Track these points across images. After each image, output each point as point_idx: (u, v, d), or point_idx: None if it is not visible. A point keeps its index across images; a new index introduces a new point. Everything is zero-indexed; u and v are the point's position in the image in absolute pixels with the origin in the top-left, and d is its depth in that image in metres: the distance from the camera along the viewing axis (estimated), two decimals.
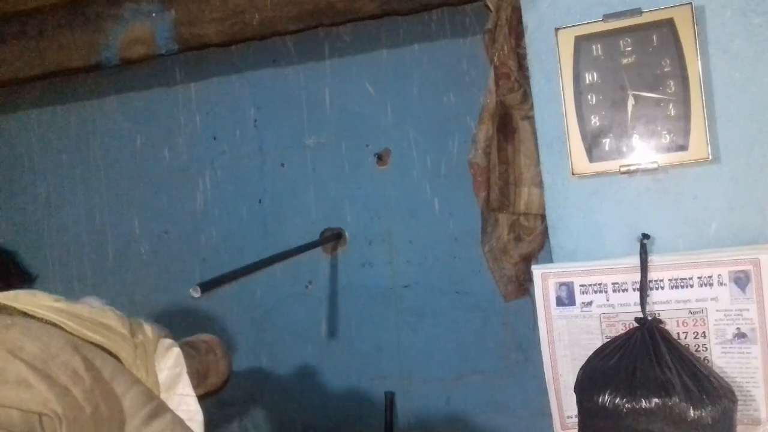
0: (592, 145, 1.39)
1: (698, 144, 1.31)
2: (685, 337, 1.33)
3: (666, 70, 1.33)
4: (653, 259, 1.35)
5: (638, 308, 1.34)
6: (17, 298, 1.13)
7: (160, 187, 2.62)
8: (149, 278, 2.64)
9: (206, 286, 1.76)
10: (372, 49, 2.32)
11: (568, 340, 1.43)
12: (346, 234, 2.39)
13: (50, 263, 2.77)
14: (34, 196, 2.80)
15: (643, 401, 1.24)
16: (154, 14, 2.29)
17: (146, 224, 2.65)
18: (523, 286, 1.84)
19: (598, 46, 1.38)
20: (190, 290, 1.70)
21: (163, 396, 1.16)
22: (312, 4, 2.07)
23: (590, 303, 1.41)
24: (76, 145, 2.73)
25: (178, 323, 2.47)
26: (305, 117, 2.42)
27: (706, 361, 1.31)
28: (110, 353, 1.09)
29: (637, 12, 1.34)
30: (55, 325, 1.07)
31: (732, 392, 1.26)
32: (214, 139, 2.54)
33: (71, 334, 1.07)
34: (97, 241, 2.71)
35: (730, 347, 1.31)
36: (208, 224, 2.56)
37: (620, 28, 1.36)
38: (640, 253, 1.34)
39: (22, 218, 2.80)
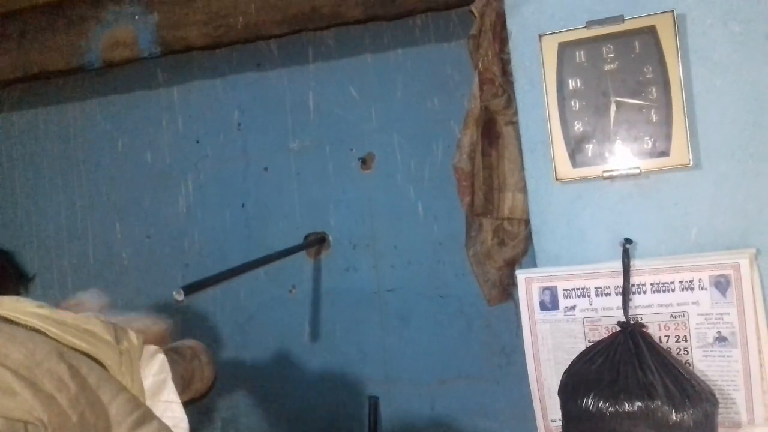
0: (575, 150, 1.40)
1: (680, 150, 1.33)
2: (667, 341, 1.35)
3: (648, 76, 1.35)
4: (635, 264, 1.36)
5: (621, 312, 1.35)
6: (0, 304, 1.12)
7: (142, 190, 2.60)
8: (131, 283, 2.62)
9: (190, 289, 1.76)
10: (356, 53, 2.32)
11: (551, 344, 1.44)
12: (330, 238, 2.39)
13: (30, 267, 2.73)
14: (14, 199, 2.77)
15: (626, 405, 1.25)
16: (136, 17, 2.27)
17: (128, 228, 2.63)
18: (507, 290, 1.85)
19: (582, 52, 1.39)
20: (174, 293, 1.70)
21: (148, 403, 1.15)
22: (296, 8, 2.07)
23: (573, 307, 1.42)
24: (57, 147, 2.70)
25: None
26: (289, 121, 2.42)
27: (687, 365, 1.33)
28: (95, 360, 1.09)
29: (620, 19, 1.36)
30: (39, 331, 1.06)
31: (713, 395, 1.28)
32: (197, 142, 2.53)
33: (56, 340, 1.06)
34: (78, 245, 2.69)
35: (711, 351, 1.33)
36: (191, 228, 2.55)
37: (603, 34, 1.37)
38: (623, 258, 1.36)
39: (0, 221, 2.77)
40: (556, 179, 1.42)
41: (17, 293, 1.35)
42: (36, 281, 2.67)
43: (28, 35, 2.39)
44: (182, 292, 1.68)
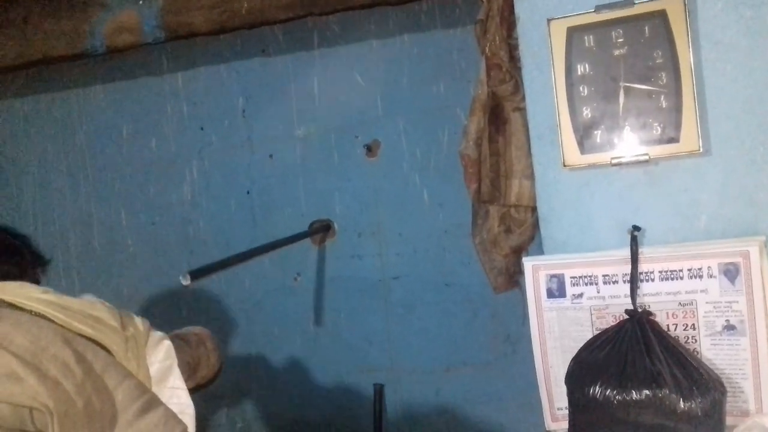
0: (583, 136, 1.39)
1: (689, 136, 1.31)
2: (675, 329, 1.34)
3: (658, 61, 1.33)
4: (644, 251, 1.35)
5: (628, 300, 1.34)
6: (5, 289, 1.11)
7: (146, 177, 2.60)
8: (136, 270, 2.62)
9: (196, 274, 1.77)
10: (362, 39, 2.30)
11: (558, 332, 1.43)
12: (335, 226, 2.39)
13: None
14: (18, 187, 2.77)
15: (634, 393, 1.24)
16: (140, 2, 2.26)
17: (133, 215, 2.63)
18: (514, 278, 1.84)
19: (591, 37, 1.37)
20: (180, 277, 1.70)
21: (154, 389, 1.15)
22: None
23: (581, 295, 1.41)
24: (61, 134, 2.70)
25: (167, 315, 2.46)
26: (294, 107, 2.41)
27: (695, 353, 1.32)
28: (101, 346, 1.08)
29: (630, 3, 1.34)
30: (44, 317, 1.06)
31: (721, 384, 1.27)
32: (202, 129, 2.52)
33: (61, 326, 1.06)
34: (83, 232, 2.69)
35: (720, 339, 1.32)
36: (196, 216, 2.54)
37: (612, 19, 1.35)
38: (631, 245, 1.35)
39: (5, 208, 2.77)
40: (564, 166, 1.41)
41: (35, 277, 1.35)
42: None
43: (31, 21, 2.37)
44: (189, 276, 1.69)
